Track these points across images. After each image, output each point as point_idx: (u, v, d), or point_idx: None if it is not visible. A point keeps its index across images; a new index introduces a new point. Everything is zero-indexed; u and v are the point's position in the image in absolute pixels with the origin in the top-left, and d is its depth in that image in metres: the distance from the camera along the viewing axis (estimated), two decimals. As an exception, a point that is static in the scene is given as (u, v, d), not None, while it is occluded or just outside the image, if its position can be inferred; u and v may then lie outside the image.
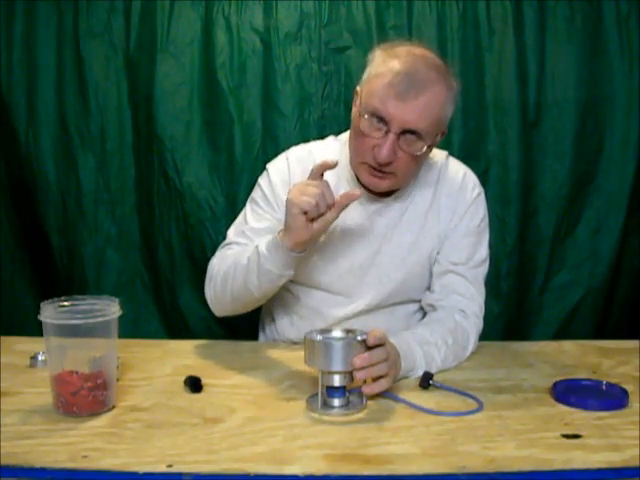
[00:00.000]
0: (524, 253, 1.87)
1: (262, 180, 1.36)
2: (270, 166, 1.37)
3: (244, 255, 1.22)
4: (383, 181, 1.23)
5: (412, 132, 1.16)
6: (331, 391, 0.99)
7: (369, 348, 1.00)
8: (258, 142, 1.81)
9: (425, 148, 1.18)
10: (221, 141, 1.82)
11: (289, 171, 1.32)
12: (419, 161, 1.23)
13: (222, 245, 1.38)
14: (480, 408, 0.99)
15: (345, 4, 1.79)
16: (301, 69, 1.80)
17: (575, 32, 1.80)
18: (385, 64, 1.17)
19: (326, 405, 0.99)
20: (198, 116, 1.82)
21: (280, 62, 1.79)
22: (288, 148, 1.41)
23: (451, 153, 1.38)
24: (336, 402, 0.99)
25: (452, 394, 1.06)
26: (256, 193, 1.37)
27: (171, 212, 1.84)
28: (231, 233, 1.37)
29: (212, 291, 1.32)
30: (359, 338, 1.00)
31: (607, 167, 1.85)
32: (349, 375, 0.99)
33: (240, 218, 1.38)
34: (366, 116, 1.17)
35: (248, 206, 1.38)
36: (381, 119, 1.15)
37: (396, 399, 1.02)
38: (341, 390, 0.99)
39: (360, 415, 0.98)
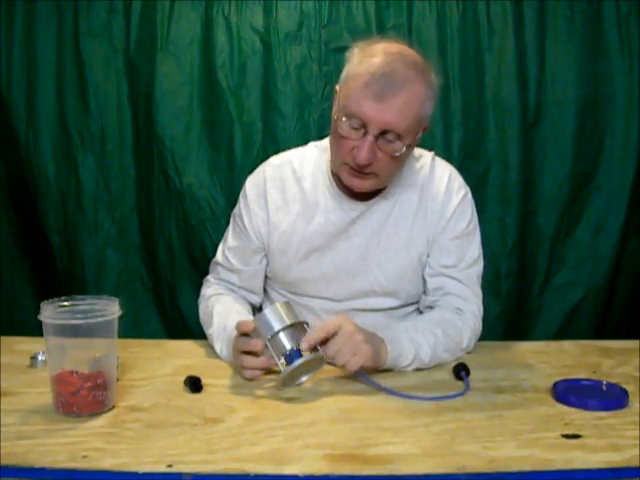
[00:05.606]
0: (524, 253, 1.87)
1: (241, 196, 1.38)
2: (248, 180, 1.37)
3: (211, 331, 1.27)
4: (364, 182, 1.21)
5: (391, 132, 1.14)
6: (289, 358, 1.03)
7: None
8: (258, 142, 1.81)
9: (404, 148, 1.16)
10: (221, 141, 1.82)
11: (265, 183, 1.33)
12: (400, 160, 1.21)
13: (213, 263, 1.43)
14: (466, 389, 1.05)
15: (345, 4, 1.79)
16: (301, 69, 1.80)
17: (575, 32, 1.80)
18: (362, 64, 1.15)
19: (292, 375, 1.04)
20: (198, 116, 1.82)
21: (280, 62, 1.79)
22: (288, 148, 1.43)
23: (451, 153, 1.37)
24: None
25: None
26: (236, 208, 1.39)
27: (171, 212, 1.84)
28: (219, 250, 1.41)
29: (201, 320, 1.37)
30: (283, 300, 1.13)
31: (607, 167, 1.85)
32: (294, 333, 1.04)
33: (226, 232, 1.42)
34: (344, 119, 1.15)
35: (231, 220, 1.40)
36: (359, 121, 1.13)
37: (366, 380, 1.08)
38: (297, 352, 1.03)
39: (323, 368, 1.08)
